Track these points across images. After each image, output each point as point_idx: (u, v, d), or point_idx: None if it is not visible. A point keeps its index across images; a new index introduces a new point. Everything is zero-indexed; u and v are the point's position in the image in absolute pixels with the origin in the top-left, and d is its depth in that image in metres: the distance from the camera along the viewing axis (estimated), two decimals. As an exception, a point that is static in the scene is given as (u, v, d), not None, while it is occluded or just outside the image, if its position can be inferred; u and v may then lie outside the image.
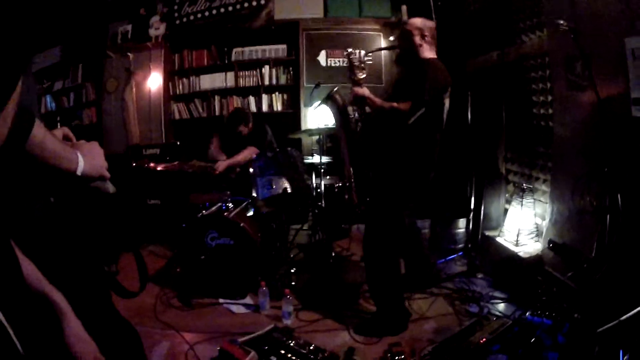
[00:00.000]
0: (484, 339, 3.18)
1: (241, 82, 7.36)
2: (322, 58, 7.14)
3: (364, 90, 3.80)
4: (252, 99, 7.33)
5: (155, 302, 4.20)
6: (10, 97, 0.72)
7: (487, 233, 5.00)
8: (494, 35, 5.16)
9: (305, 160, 5.67)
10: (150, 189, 6.10)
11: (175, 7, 7.20)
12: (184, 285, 4.37)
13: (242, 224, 4.24)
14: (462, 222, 5.36)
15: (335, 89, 4.02)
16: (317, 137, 5.36)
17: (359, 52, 6.53)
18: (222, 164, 5.11)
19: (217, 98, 7.40)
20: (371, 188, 3.84)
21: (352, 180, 4.02)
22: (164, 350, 3.48)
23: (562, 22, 3.28)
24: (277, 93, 7.40)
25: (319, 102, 4.16)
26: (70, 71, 7.85)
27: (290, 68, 7.34)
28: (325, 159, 5.38)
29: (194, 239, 4.31)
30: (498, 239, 4.72)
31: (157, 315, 3.97)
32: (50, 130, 1.32)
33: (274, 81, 7.35)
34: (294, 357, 3.14)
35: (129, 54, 7.36)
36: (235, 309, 4.10)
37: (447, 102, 3.62)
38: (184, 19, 7.17)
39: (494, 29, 5.18)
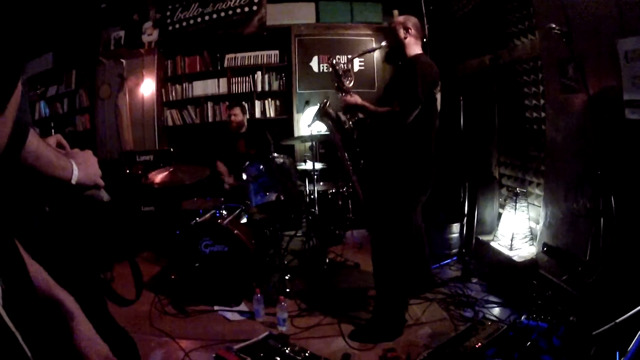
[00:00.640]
0: (479, 344, 3.17)
1: (234, 89, 7.33)
2: (314, 64, 7.15)
3: (355, 98, 3.81)
4: (245, 106, 7.28)
5: (150, 309, 4.20)
6: (12, 95, 0.72)
7: (481, 238, 5.01)
8: (486, 39, 5.19)
9: (298, 167, 5.66)
10: (144, 195, 6.08)
11: (168, 13, 7.18)
12: (178, 292, 4.36)
13: (236, 231, 4.24)
14: (455, 227, 5.37)
15: (327, 103, 4.01)
16: (310, 143, 5.35)
17: (342, 61, 6.61)
18: (229, 181, 5.37)
19: (210, 104, 7.37)
20: (376, 192, 3.82)
21: (358, 185, 4.00)
22: (159, 357, 3.48)
23: (553, 25, 3.29)
24: (269, 99, 7.38)
25: (313, 119, 4.16)
26: (64, 77, 7.80)
27: (283, 74, 7.32)
28: (318, 166, 5.37)
29: (188, 246, 4.30)
30: (492, 244, 4.73)
31: (152, 323, 3.96)
32: (43, 139, 1.31)
33: (267, 87, 7.33)
34: (289, 364, 3.13)
35: (122, 60, 7.32)
36: (230, 315, 4.09)
37: (438, 96, 3.63)
38: (177, 25, 7.15)
39: (486, 32, 5.20)
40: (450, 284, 4.60)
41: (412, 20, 3.77)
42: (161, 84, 7.41)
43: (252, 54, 7.36)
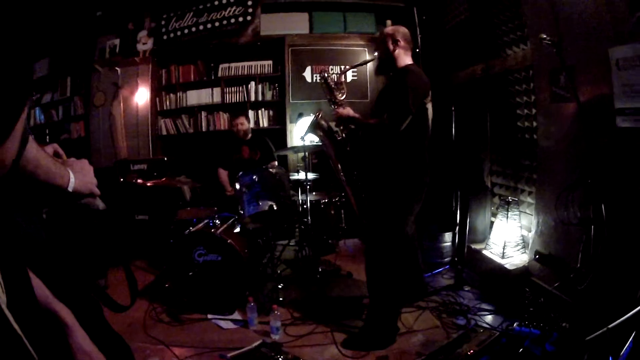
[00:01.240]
0: (472, 351, 3.19)
1: (227, 98, 7.34)
2: (307, 74, 7.16)
3: (347, 111, 3.82)
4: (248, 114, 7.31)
5: (145, 317, 4.19)
6: (20, 116, 0.74)
7: (474, 246, 5.03)
8: (478, 49, 5.23)
9: (291, 177, 5.68)
10: (138, 204, 6.08)
11: (163, 22, 7.21)
12: (172, 301, 4.35)
13: (229, 241, 4.24)
14: (448, 236, 5.39)
15: (319, 115, 4.03)
16: (303, 154, 5.37)
17: (335, 71, 6.66)
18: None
19: (203, 114, 7.38)
20: (370, 202, 3.83)
21: (352, 196, 4.00)
22: (154, 365, 3.46)
23: (544, 36, 3.33)
24: (263, 109, 7.39)
25: (306, 131, 4.18)
26: (59, 84, 7.81)
27: (276, 84, 7.34)
28: (311, 176, 5.39)
29: (182, 255, 4.30)
30: (484, 252, 4.75)
31: (146, 330, 3.95)
32: (41, 147, 1.32)
33: (260, 97, 7.34)
34: (282, 372, 3.13)
35: (117, 68, 7.32)
36: (224, 324, 4.08)
37: (429, 105, 3.65)
38: (171, 34, 7.17)
39: (478, 42, 5.24)
40: (442, 292, 4.60)
41: (400, 31, 3.78)
42: (155, 92, 7.43)
43: (246, 63, 7.39)
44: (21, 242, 1.31)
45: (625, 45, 3.08)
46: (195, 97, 7.42)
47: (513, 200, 4.57)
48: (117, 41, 7.39)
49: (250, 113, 7.29)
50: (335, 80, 4.07)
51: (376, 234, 3.72)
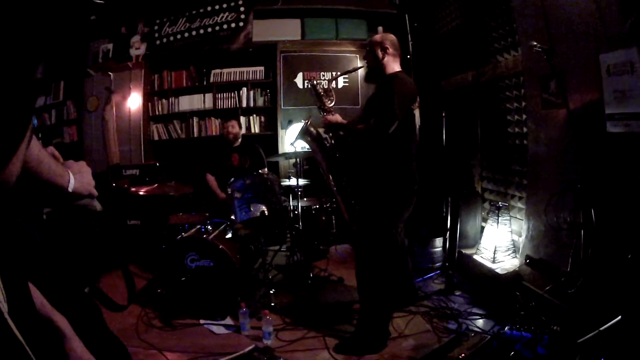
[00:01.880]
0: (463, 355, 3.19)
1: (219, 104, 7.35)
2: (299, 80, 7.19)
3: (336, 117, 3.85)
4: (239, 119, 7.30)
5: (137, 322, 4.17)
6: (24, 135, 0.76)
7: (464, 251, 5.05)
8: (470, 56, 5.27)
9: (283, 183, 5.69)
10: (130, 209, 6.06)
11: (156, 27, 7.22)
12: (165, 306, 4.34)
13: (221, 246, 4.24)
14: (438, 241, 5.40)
15: (309, 122, 4.05)
16: (294, 160, 5.38)
17: (325, 78, 6.69)
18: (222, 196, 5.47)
19: (195, 119, 7.38)
20: (359, 208, 3.85)
21: (341, 202, 4.02)
22: (147, 370, 3.45)
23: (535, 43, 3.36)
24: (254, 115, 7.40)
25: (296, 138, 4.20)
26: (52, 88, 7.80)
27: (268, 90, 7.36)
28: (302, 182, 5.41)
29: (174, 261, 4.29)
30: (475, 257, 4.77)
31: (139, 335, 3.93)
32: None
33: (252, 103, 7.35)
34: (275, 376, 3.13)
35: (110, 73, 7.33)
36: (216, 329, 4.07)
37: (416, 112, 3.66)
38: (164, 40, 7.18)
39: (469, 49, 5.28)
40: (433, 296, 4.61)
41: (389, 39, 3.80)
42: (148, 98, 7.44)
43: (238, 69, 7.41)
44: (21, 249, 1.32)
45: (616, 51, 3.11)
46: (187, 102, 7.43)
47: (503, 205, 4.59)
48: (110, 46, 7.40)
49: (242, 119, 7.28)
50: (325, 87, 4.10)
51: (366, 240, 3.73)
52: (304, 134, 4.02)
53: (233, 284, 4.26)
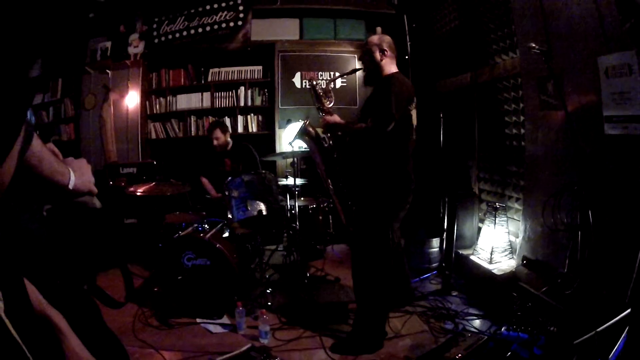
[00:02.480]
0: (460, 355, 3.20)
1: (217, 103, 7.35)
2: (297, 80, 7.18)
3: (334, 118, 3.86)
4: (227, 120, 7.28)
5: (134, 321, 4.16)
6: (18, 134, 0.76)
7: (461, 252, 5.06)
8: (468, 57, 5.27)
9: (280, 182, 5.68)
10: (126, 207, 6.06)
11: (154, 25, 7.20)
12: (161, 305, 4.33)
13: (218, 245, 4.23)
14: (435, 242, 5.41)
15: (307, 122, 4.05)
16: (291, 159, 5.38)
17: (324, 78, 6.69)
18: (215, 194, 5.52)
19: (193, 118, 7.38)
20: (356, 208, 3.84)
21: (337, 202, 4.01)
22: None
23: (533, 45, 3.36)
24: (252, 114, 7.40)
25: (294, 138, 4.19)
26: (50, 85, 7.79)
27: (266, 90, 7.36)
28: (299, 181, 5.40)
29: (171, 259, 4.28)
30: (472, 257, 4.78)
31: (135, 334, 3.92)
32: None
33: (249, 102, 7.35)
34: (271, 375, 3.12)
35: (108, 71, 7.32)
36: (213, 328, 4.07)
37: (413, 112, 3.67)
38: (163, 38, 7.16)
39: (467, 50, 5.29)
40: (430, 297, 4.62)
41: (386, 41, 3.80)
42: (145, 96, 7.42)
43: (236, 69, 7.41)
44: (18, 246, 1.31)
45: (615, 53, 3.12)
46: (185, 101, 7.42)
47: (500, 206, 4.61)
48: (108, 44, 7.38)
49: (239, 118, 7.31)
50: (324, 87, 4.10)
51: (362, 240, 3.74)
52: (303, 134, 4.02)
53: (230, 283, 4.25)
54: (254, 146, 5.91)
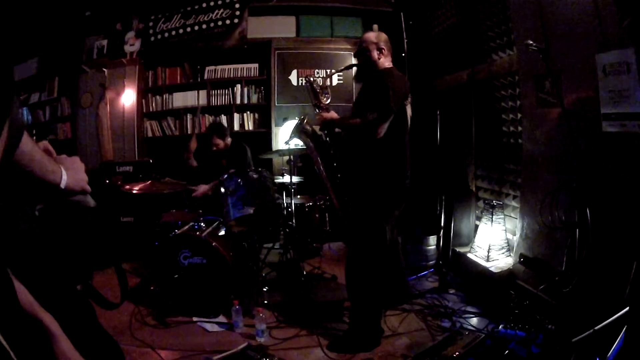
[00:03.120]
0: (457, 353, 3.20)
1: (213, 101, 7.33)
2: (293, 77, 7.17)
3: (332, 114, 3.85)
4: (224, 118, 7.29)
5: (131, 320, 4.15)
6: (5, 122, 0.74)
7: (458, 249, 5.05)
8: (465, 54, 5.27)
9: (276, 180, 5.67)
10: (123, 206, 6.05)
11: (151, 23, 7.19)
12: (158, 304, 4.32)
13: (214, 243, 4.22)
14: (432, 239, 5.41)
15: (304, 120, 4.02)
16: (287, 157, 5.36)
17: (320, 75, 6.68)
18: (201, 189, 5.31)
19: (189, 116, 7.35)
20: (352, 206, 3.83)
21: (335, 200, 4.00)
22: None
23: (530, 42, 3.35)
24: (248, 112, 7.38)
25: (290, 136, 4.18)
26: (47, 84, 7.77)
27: (262, 87, 7.35)
28: (295, 179, 5.39)
29: (167, 258, 4.27)
30: (469, 255, 4.78)
31: (132, 333, 3.91)
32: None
33: (246, 100, 7.33)
34: (268, 374, 3.12)
35: (104, 69, 7.30)
36: (209, 327, 4.06)
37: (408, 108, 3.66)
38: (159, 36, 7.14)
39: (464, 48, 5.28)
40: (427, 295, 4.62)
41: (382, 38, 3.78)
42: (142, 94, 7.41)
43: (232, 66, 7.40)
44: (8, 246, 1.30)
45: (613, 51, 3.11)
46: (181, 99, 7.40)
47: (498, 203, 4.60)
48: (104, 42, 7.36)
49: (236, 116, 7.31)
50: (321, 84, 4.09)
51: (356, 237, 3.73)
52: (299, 131, 4.00)
53: (226, 281, 4.24)
54: (250, 144, 5.87)
